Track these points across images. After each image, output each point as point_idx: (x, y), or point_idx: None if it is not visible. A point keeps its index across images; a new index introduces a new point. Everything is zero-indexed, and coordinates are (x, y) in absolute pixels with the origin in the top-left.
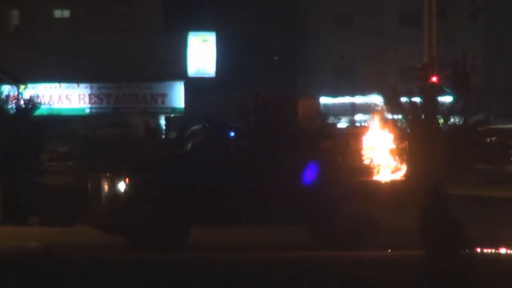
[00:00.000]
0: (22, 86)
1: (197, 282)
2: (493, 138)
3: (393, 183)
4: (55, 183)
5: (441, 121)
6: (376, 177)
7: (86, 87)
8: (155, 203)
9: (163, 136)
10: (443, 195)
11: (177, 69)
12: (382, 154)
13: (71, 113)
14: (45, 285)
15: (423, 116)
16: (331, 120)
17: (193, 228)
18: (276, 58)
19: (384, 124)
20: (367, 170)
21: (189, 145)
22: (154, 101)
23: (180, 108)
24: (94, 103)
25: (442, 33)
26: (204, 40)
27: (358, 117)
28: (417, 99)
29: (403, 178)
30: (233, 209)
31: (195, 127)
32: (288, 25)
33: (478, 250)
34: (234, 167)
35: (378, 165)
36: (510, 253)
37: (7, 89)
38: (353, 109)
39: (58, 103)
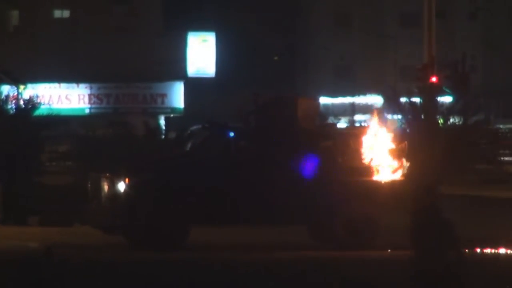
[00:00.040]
0: (21, 86)
1: (197, 282)
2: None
3: (393, 183)
4: (55, 183)
5: (440, 121)
6: (376, 177)
7: (86, 87)
8: (155, 203)
9: (163, 136)
10: (435, 194)
11: (177, 69)
12: (381, 154)
13: (70, 113)
14: (45, 285)
15: (422, 116)
16: (330, 120)
17: (193, 228)
18: (276, 58)
19: (384, 124)
20: (367, 170)
21: (189, 145)
22: (154, 101)
23: (179, 108)
24: (94, 103)
25: (441, 33)
26: (204, 40)
27: (358, 117)
28: (416, 99)
29: (402, 178)
30: (233, 209)
31: (195, 127)
32: (288, 25)
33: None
34: (234, 167)
35: (378, 165)
36: (510, 253)
37: (6, 89)
38: (353, 109)
39: (57, 103)
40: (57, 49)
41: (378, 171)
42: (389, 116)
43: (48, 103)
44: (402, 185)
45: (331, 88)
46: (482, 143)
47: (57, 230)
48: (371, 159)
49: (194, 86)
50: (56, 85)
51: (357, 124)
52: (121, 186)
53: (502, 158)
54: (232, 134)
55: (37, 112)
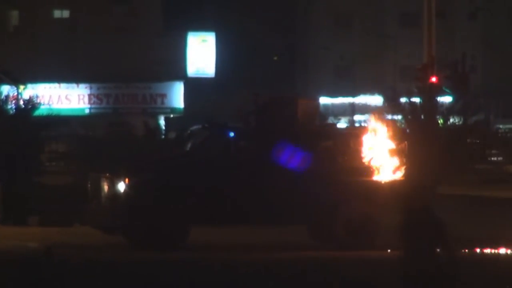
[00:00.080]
0: (21, 86)
1: (197, 282)
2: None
3: (393, 183)
4: (55, 183)
5: (440, 121)
6: (376, 177)
7: (86, 87)
8: (155, 203)
9: (163, 136)
10: (428, 193)
11: (177, 69)
12: (381, 154)
13: (70, 113)
14: (45, 285)
15: (422, 116)
16: (330, 120)
17: (193, 228)
18: (276, 58)
19: (384, 124)
20: (367, 170)
21: (189, 145)
22: (154, 101)
23: (179, 108)
24: (94, 103)
25: (441, 33)
26: (204, 40)
27: (358, 117)
28: (416, 99)
29: (402, 178)
30: (233, 209)
31: (195, 127)
32: (288, 25)
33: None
34: (233, 167)
35: (378, 165)
36: (509, 253)
37: (6, 89)
38: (353, 109)
39: (57, 103)
40: (57, 49)
41: (378, 171)
42: (389, 116)
43: (48, 103)
44: (402, 185)
45: (331, 88)
46: (474, 143)
47: (57, 230)
48: (371, 159)
49: (194, 86)
50: (56, 85)
51: (357, 124)
52: (121, 186)
53: (492, 159)
54: (232, 134)
55: (37, 112)
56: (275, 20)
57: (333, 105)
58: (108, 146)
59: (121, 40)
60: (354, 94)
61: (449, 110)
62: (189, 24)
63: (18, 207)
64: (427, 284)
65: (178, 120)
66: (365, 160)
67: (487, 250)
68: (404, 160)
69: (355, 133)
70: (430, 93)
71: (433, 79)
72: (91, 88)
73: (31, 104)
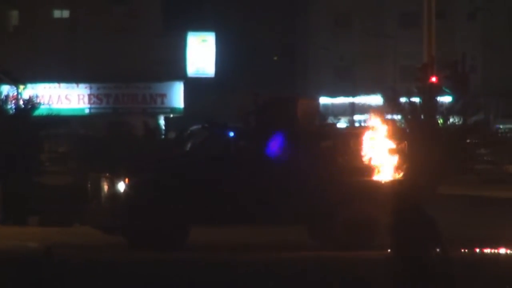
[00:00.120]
0: (21, 86)
1: (197, 282)
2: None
3: (393, 183)
4: (55, 183)
5: (440, 121)
6: (376, 177)
7: (86, 87)
8: (155, 203)
9: (163, 136)
10: (420, 192)
11: (177, 69)
12: (381, 154)
13: (70, 113)
14: (45, 285)
15: (422, 116)
16: (330, 120)
17: (193, 228)
18: (276, 58)
19: (383, 124)
20: (367, 170)
21: (189, 145)
22: (154, 101)
23: (179, 108)
24: (94, 103)
25: (441, 33)
26: (204, 40)
27: (358, 117)
28: (416, 99)
29: (402, 178)
30: (233, 209)
31: (195, 127)
32: (287, 25)
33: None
34: (233, 167)
35: (378, 165)
36: (509, 253)
37: (6, 89)
38: (353, 109)
39: (57, 103)
40: (57, 49)
41: (378, 171)
42: (389, 116)
43: (48, 103)
44: (395, 184)
45: (331, 88)
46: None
47: (57, 230)
48: (371, 159)
49: (194, 86)
50: (56, 85)
51: (357, 124)
52: (121, 186)
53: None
54: (232, 134)
55: (37, 112)
56: (275, 20)
57: (333, 105)
58: (108, 146)
59: (121, 40)
60: (354, 94)
61: (449, 110)
62: (189, 24)
63: (18, 207)
64: (419, 283)
65: (178, 120)
66: (365, 160)
67: (487, 250)
68: (404, 160)
69: (355, 133)
70: (430, 93)
71: (433, 79)
72: (91, 88)
73: (31, 104)
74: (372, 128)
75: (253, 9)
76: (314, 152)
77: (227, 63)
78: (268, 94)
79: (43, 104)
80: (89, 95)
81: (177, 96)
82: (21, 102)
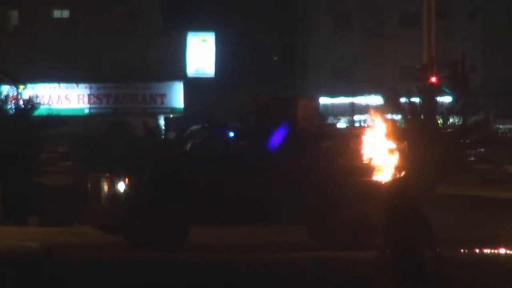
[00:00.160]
0: (21, 86)
1: (197, 282)
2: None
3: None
4: (55, 183)
5: (440, 121)
6: (375, 177)
7: (85, 87)
8: (155, 203)
9: (163, 136)
10: (413, 190)
11: (176, 69)
12: (381, 154)
13: (70, 113)
14: (44, 285)
15: (422, 116)
16: (330, 120)
17: (193, 228)
18: (276, 58)
19: (383, 124)
20: (367, 170)
21: (189, 145)
22: (153, 101)
23: (179, 108)
24: (93, 103)
25: (441, 33)
26: (203, 40)
27: (358, 117)
28: (416, 99)
29: (396, 177)
30: (233, 209)
31: (194, 127)
32: (287, 25)
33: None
34: (233, 167)
35: (378, 165)
36: (509, 253)
37: (6, 89)
38: (352, 109)
39: (57, 103)
40: (57, 49)
41: (378, 171)
42: (389, 116)
43: (48, 103)
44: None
45: (331, 88)
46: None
47: (57, 230)
48: (371, 159)
49: (194, 86)
50: (56, 85)
51: (356, 124)
52: (121, 186)
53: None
54: (232, 134)
55: (37, 112)
56: (275, 20)
57: (332, 105)
58: (108, 146)
59: (121, 40)
60: (354, 94)
61: (449, 110)
62: (189, 24)
63: (18, 207)
64: (413, 283)
65: (178, 120)
66: (365, 160)
67: (487, 250)
68: (404, 160)
69: (355, 133)
70: (430, 93)
71: (433, 79)
72: (90, 88)
73: (31, 104)
74: (372, 128)
75: (253, 9)
76: (314, 152)
77: (227, 63)
78: (268, 94)
79: (43, 104)
80: (89, 95)
81: (177, 96)
82: (21, 102)
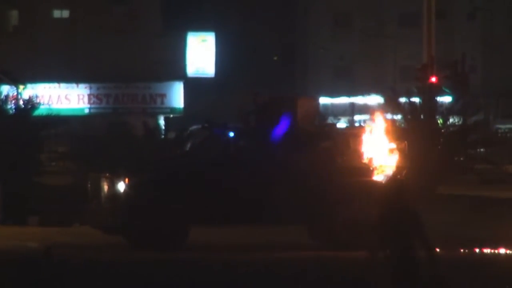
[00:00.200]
0: (21, 86)
1: (197, 282)
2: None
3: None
4: (55, 183)
5: (440, 121)
6: (375, 177)
7: (85, 87)
8: (155, 203)
9: (162, 136)
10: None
11: (176, 69)
12: (381, 154)
13: (70, 113)
14: (44, 285)
15: (422, 116)
16: (330, 120)
17: (193, 228)
18: (276, 58)
19: (383, 124)
20: (367, 170)
21: (189, 145)
22: (153, 101)
23: (179, 108)
24: (93, 103)
25: (441, 33)
26: (203, 40)
27: (357, 117)
28: (416, 99)
29: (402, 178)
30: (233, 209)
31: (194, 127)
32: (287, 25)
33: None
34: (233, 167)
35: (378, 165)
36: (509, 253)
37: (6, 89)
38: (352, 109)
39: (57, 103)
40: (57, 49)
41: (378, 171)
42: (389, 116)
43: (48, 103)
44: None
45: (331, 88)
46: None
47: (57, 230)
48: (371, 159)
49: (194, 86)
50: (56, 85)
51: (356, 124)
52: (121, 186)
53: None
54: (232, 134)
55: (37, 112)
56: (275, 20)
57: (332, 105)
58: (108, 146)
59: (121, 40)
60: (353, 94)
61: (448, 110)
62: (188, 24)
63: (18, 207)
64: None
65: (177, 120)
66: (365, 160)
67: (487, 250)
68: (404, 160)
69: (354, 133)
70: (429, 93)
71: (433, 79)
72: (90, 88)
73: (31, 104)
74: (372, 128)
75: (253, 9)
76: (314, 152)
77: (227, 63)
78: (268, 94)
79: (43, 104)
80: (89, 95)
81: (177, 96)
82: (21, 102)
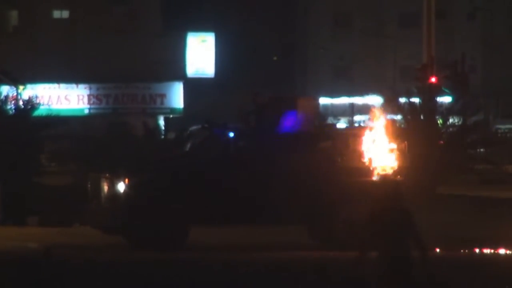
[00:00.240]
0: (21, 87)
1: (197, 282)
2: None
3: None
4: (54, 183)
5: (440, 121)
6: (375, 177)
7: (85, 88)
8: (155, 203)
9: (162, 137)
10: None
11: (176, 70)
12: (381, 154)
13: (70, 113)
14: (44, 285)
15: (422, 116)
16: (330, 120)
17: (193, 228)
18: (275, 58)
19: (383, 124)
20: (367, 170)
21: (188, 145)
22: (153, 102)
23: (179, 109)
24: (93, 103)
25: (441, 33)
26: (203, 41)
27: (357, 117)
28: (416, 99)
29: (402, 178)
30: (233, 209)
31: (194, 127)
32: (287, 25)
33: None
34: (233, 167)
35: (378, 165)
36: (509, 253)
37: (6, 89)
38: (352, 109)
39: (57, 103)
40: (57, 50)
41: (377, 171)
42: (389, 116)
43: (48, 104)
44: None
45: (330, 88)
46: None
47: (56, 231)
48: (371, 159)
49: (194, 86)
50: (56, 85)
51: (356, 124)
52: (121, 186)
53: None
54: (232, 134)
55: (37, 113)
56: (275, 20)
57: (332, 105)
58: (108, 146)
59: (121, 40)
60: (353, 94)
61: (448, 110)
62: (188, 24)
63: (18, 207)
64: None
65: (177, 120)
66: (365, 160)
67: (487, 250)
68: (404, 160)
69: (354, 133)
70: (429, 93)
71: (433, 79)
72: (90, 88)
73: (31, 104)
74: (372, 128)
75: (253, 9)
76: (314, 152)
77: (227, 63)
78: (268, 94)
79: (43, 105)
80: (89, 96)
81: (176, 96)
82: (20, 103)
